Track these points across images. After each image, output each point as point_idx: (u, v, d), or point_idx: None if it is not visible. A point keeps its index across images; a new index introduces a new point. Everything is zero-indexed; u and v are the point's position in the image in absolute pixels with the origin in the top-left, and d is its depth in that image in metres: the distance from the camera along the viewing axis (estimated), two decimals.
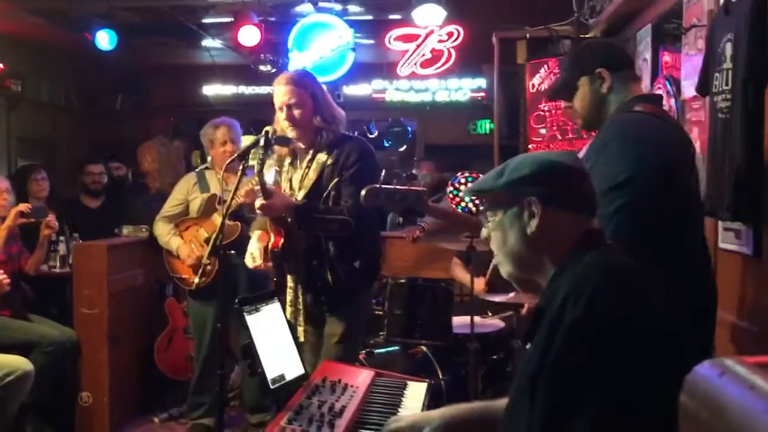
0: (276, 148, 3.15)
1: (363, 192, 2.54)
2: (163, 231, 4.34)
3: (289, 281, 3.15)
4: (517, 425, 1.40)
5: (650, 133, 2.14)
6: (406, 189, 2.55)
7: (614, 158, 2.04)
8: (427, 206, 2.67)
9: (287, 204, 2.98)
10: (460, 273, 4.71)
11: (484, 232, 1.63)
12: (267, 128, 3.03)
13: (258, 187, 3.01)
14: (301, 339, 3.06)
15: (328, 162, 3.01)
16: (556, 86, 2.53)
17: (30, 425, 4.09)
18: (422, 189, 2.61)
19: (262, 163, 2.87)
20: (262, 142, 2.87)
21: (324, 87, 3.21)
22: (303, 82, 3.05)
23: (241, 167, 2.92)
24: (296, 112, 3.00)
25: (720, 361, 0.63)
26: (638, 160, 2.04)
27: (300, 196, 3.05)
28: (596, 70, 2.26)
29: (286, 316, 2.62)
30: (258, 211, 3.01)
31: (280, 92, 3.03)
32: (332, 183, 2.98)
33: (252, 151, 3.00)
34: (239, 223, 4.11)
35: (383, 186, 2.54)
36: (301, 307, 3.10)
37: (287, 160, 3.18)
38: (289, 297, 3.13)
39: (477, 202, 4.69)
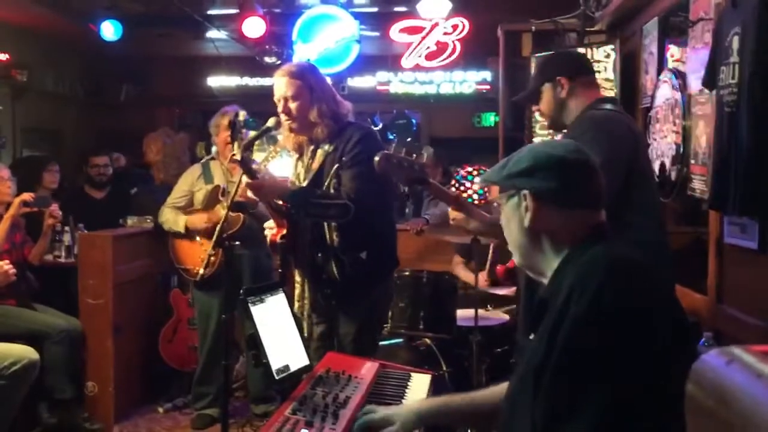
0: (282, 140, 3.14)
1: (376, 157, 2.53)
2: (170, 215, 4.36)
3: (297, 276, 3.11)
4: (520, 417, 1.40)
5: (618, 126, 2.51)
6: (413, 159, 2.59)
7: (589, 147, 2.19)
8: (429, 179, 2.70)
9: (281, 189, 2.92)
10: (463, 272, 4.71)
11: (501, 218, 1.65)
12: (272, 119, 3.02)
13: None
14: (307, 334, 3.01)
15: (330, 150, 2.96)
16: (524, 93, 2.86)
17: (34, 413, 4.11)
18: (425, 162, 2.65)
19: (246, 146, 2.84)
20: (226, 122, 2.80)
21: (328, 80, 3.14)
22: (301, 74, 2.98)
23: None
24: (292, 105, 2.95)
25: (727, 349, 0.63)
26: (610, 147, 2.32)
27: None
28: (556, 78, 2.61)
29: (294, 311, 2.62)
30: (249, 193, 2.95)
31: (277, 84, 2.99)
32: (332, 171, 2.91)
33: (256, 142, 3.00)
34: (242, 214, 4.11)
35: (395, 153, 2.57)
36: (307, 301, 3.06)
37: (294, 156, 3.13)
38: (296, 291, 3.09)
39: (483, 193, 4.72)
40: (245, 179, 2.90)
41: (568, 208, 1.51)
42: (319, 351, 2.95)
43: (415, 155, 2.62)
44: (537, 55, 4.70)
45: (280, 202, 2.98)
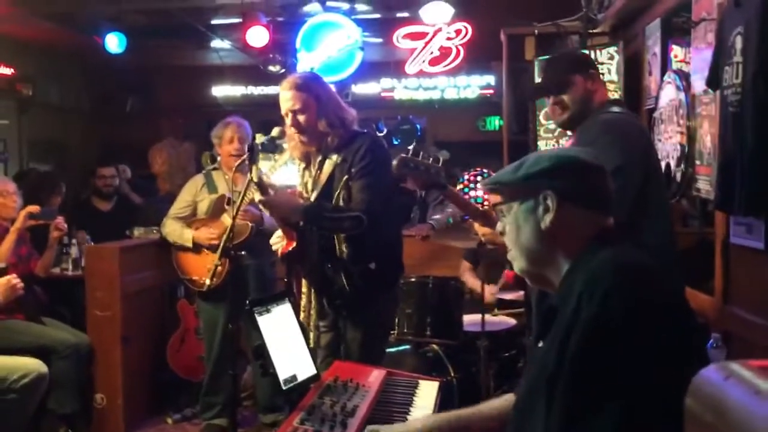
0: (289, 150, 3.14)
1: (394, 161, 2.56)
2: (174, 227, 4.35)
3: (304, 286, 3.09)
4: (532, 426, 1.39)
5: (631, 129, 2.56)
6: (430, 163, 2.58)
7: (606, 150, 2.27)
8: (447, 184, 2.69)
9: (294, 206, 2.91)
10: (471, 279, 4.70)
11: (499, 226, 1.63)
12: (276, 128, 3.02)
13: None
14: (312, 345, 2.99)
15: (339, 161, 2.94)
16: (548, 83, 2.77)
17: (46, 426, 4.11)
18: (441, 166, 2.63)
19: (251, 161, 2.86)
20: (247, 150, 2.91)
21: (332, 88, 3.13)
22: (307, 86, 2.96)
23: (250, 168, 2.92)
24: (300, 118, 2.93)
25: (725, 364, 0.63)
26: (626, 150, 2.37)
27: (313, 197, 2.99)
28: (590, 71, 2.64)
29: (300, 321, 2.62)
30: (261, 208, 2.97)
31: (284, 98, 2.97)
32: (342, 182, 2.90)
33: (261, 153, 3.00)
34: (249, 224, 4.11)
35: (413, 157, 2.57)
36: (314, 312, 3.04)
37: (301, 165, 3.12)
38: (303, 302, 3.07)
39: (488, 197, 4.70)
40: (258, 196, 2.91)
41: (588, 209, 1.51)
42: (326, 360, 2.96)
43: (431, 159, 2.61)
44: (540, 58, 4.70)
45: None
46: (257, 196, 2.91)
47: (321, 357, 3.02)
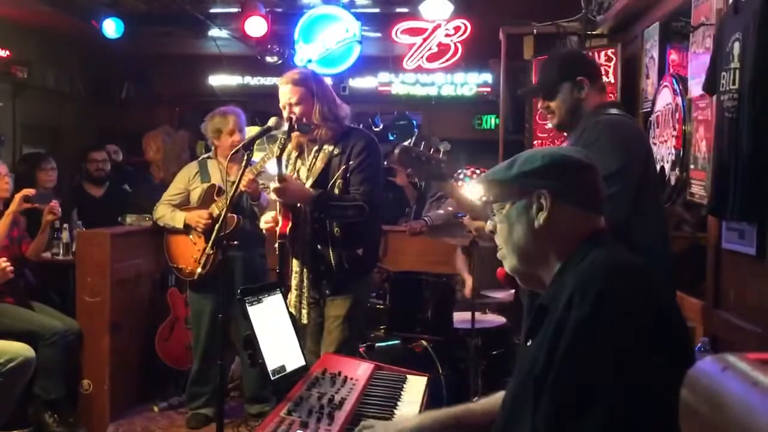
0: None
1: (396, 150, 2.58)
2: (165, 210, 4.36)
3: (295, 265, 3.24)
4: (519, 425, 1.39)
5: (631, 131, 2.53)
6: (431, 154, 2.57)
7: (606, 151, 2.30)
8: (446, 176, 2.67)
9: (303, 194, 3.10)
10: (464, 267, 4.69)
11: (489, 224, 1.62)
12: (273, 118, 3.07)
13: (260, 173, 3.41)
14: (305, 321, 3.17)
15: (336, 152, 3.16)
16: (536, 87, 2.78)
17: (32, 410, 4.10)
18: (442, 158, 2.62)
19: (282, 149, 3.05)
20: (285, 127, 3.09)
21: (328, 85, 3.33)
22: (303, 81, 3.18)
23: (245, 157, 3.00)
24: (296, 110, 3.14)
25: (722, 356, 0.62)
26: (627, 152, 2.37)
27: (308, 184, 3.16)
28: (578, 78, 2.54)
29: (289, 302, 2.68)
30: (273, 194, 3.13)
31: (282, 91, 3.19)
32: (339, 172, 3.12)
33: (257, 141, 3.06)
34: (235, 216, 4.10)
35: (414, 146, 2.56)
36: (306, 291, 3.19)
37: (294, 154, 3.29)
38: (294, 281, 3.22)
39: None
40: (272, 185, 3.08)
41: (581, 209, 1.50)
42: (313, 336, 3.22)
43: (432, 150, 2.60)
44: (538, 58, 4.70)
45: None
46: (272, 184, 3.09)
47: (309, 332, 3.23)
